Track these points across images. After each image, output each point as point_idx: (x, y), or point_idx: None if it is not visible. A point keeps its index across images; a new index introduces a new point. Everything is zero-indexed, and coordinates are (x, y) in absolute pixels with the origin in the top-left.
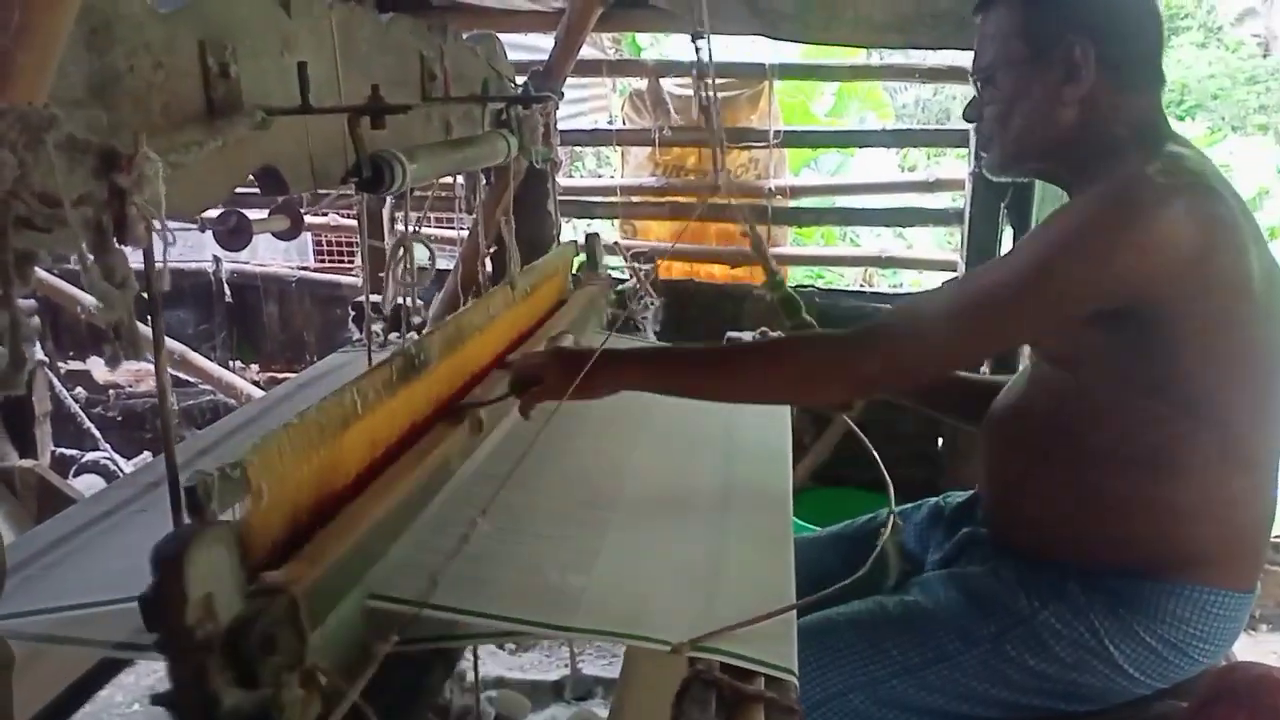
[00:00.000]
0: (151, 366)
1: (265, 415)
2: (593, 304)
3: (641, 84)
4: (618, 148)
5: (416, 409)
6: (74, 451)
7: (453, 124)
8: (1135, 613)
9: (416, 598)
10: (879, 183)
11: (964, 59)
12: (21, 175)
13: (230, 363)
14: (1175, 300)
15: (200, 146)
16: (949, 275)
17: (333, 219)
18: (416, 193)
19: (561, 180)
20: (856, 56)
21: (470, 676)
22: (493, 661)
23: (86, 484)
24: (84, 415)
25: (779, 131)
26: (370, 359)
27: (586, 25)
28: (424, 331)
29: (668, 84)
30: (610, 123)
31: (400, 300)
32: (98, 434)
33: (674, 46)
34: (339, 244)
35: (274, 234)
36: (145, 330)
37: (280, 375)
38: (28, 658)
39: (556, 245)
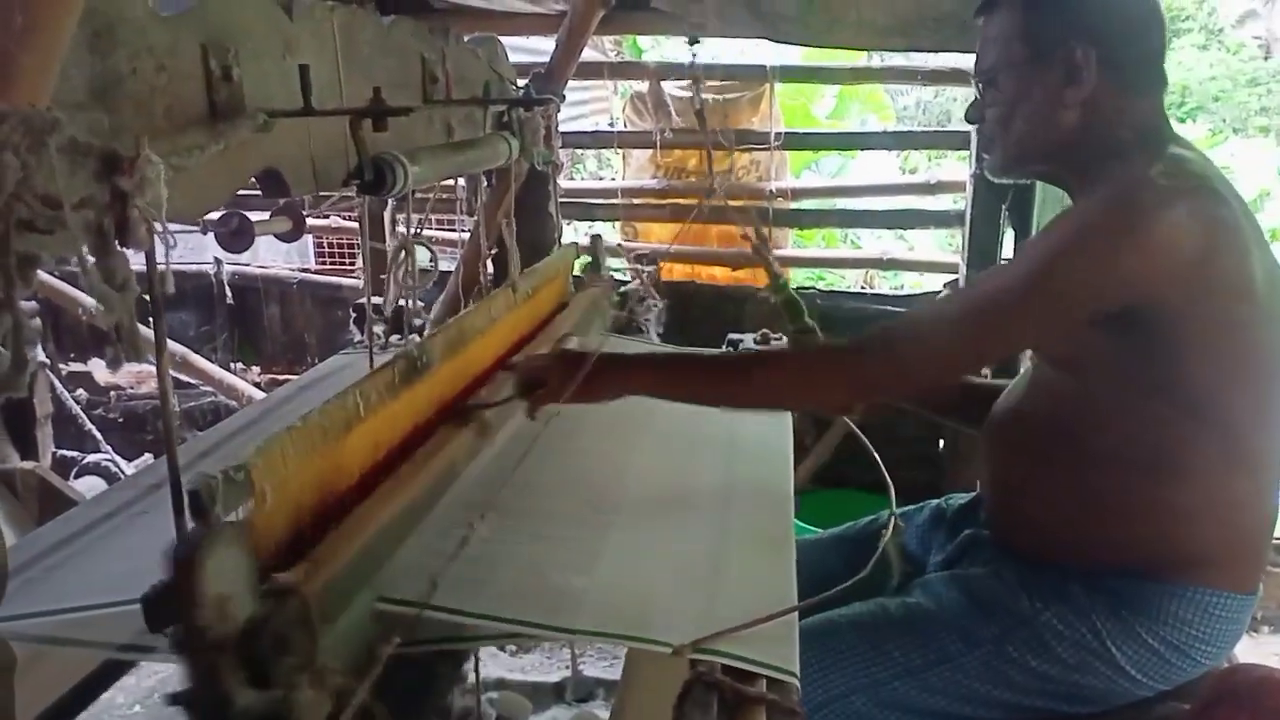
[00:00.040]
0: (152, 368)
1: (266, 417)
2: (596, 306)
3: (643, 86)
4: (619, 150)
5: (419, 411)
6: (75, 453)
7: (454, 126)
8: (1137, 614)
9: (421, 599)
10: (880, 185)
11: (965, 62)
12: (24, 178)
13: (231, 365)
14: (1178, 303)
15: (202, 149)
16: (950, 277)
17: (334, 221)
18: (418, 195)
19: (563, 182)
20: (858, 59)
21: (471, 678)
22: (494, 663)
23: (88, 486)
24: (85, 417)
25: (780, 134)
26: (372, 361)
27: (588, 28)
28: (425, 334)
29: (669, 86)
30: (611, 125)
31: (402, 302)
32: (99, 436)
33: (675, 49)
34: (340, 246)
35: (275, 236)
36: (147, 332)
37: (281, 377)
38: (29, 660)
39: (558, 247)
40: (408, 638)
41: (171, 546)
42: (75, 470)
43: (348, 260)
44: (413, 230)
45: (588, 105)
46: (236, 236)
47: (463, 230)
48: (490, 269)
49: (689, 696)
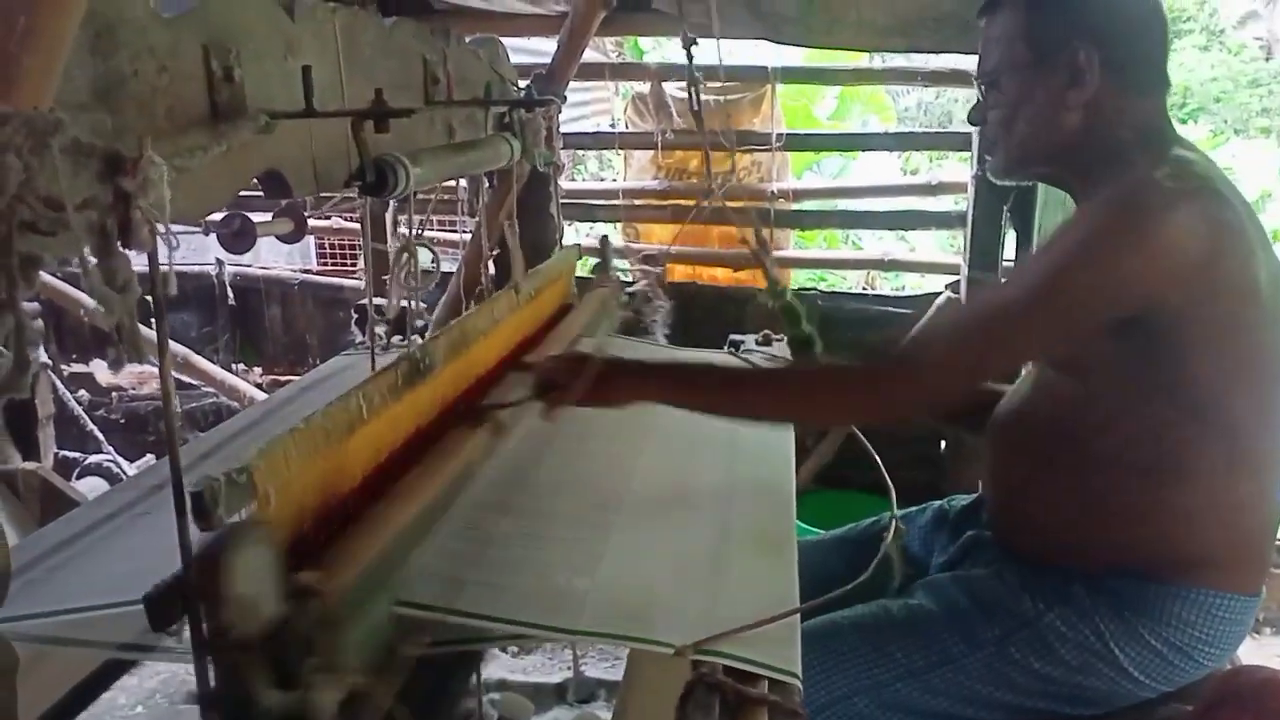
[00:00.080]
0: (153, 369)
1: (268, 418)
2: (604, 306)
3: (644, 87)
4: (620, 151)
5: (421, 413)
6: (77, 454)
7: (455, 127)
8: (1140, 616)
9: (430, 602)
10: (881, 186)
11: (966, 63)
12: (27, 179)
13: (233, 365)
14: (1183, 305)
15: (204, 150)
16: (951, 278)
17: (335, 222)
18: (419, 196)
19: (564, 183)
20: (859, 60)
21: (473, 679)
22: (495, 664)
23: (89, 486)
24: (87, 418)
25: (781, 135)
26: (374, 362)
27: (589, 29)
28: (427, 335)
29: (670, 87)
30: (613, 126)
31: (404, 304)
32: (101, 436)
33: (676, 50)
34: (341, 247)
35: (277, 237)
36: (148, 333)
37: (283, 378)
38: (31, 660)
39: (559, 248)
40: (428, 640)
41: (199, 544)
42: (77, 471)
43: (349, 261)
44: (414, 231)
45: (589, 106)
46: (238, 238)
47: (464, 231)
48: (492, 270)
49: (691, 698)
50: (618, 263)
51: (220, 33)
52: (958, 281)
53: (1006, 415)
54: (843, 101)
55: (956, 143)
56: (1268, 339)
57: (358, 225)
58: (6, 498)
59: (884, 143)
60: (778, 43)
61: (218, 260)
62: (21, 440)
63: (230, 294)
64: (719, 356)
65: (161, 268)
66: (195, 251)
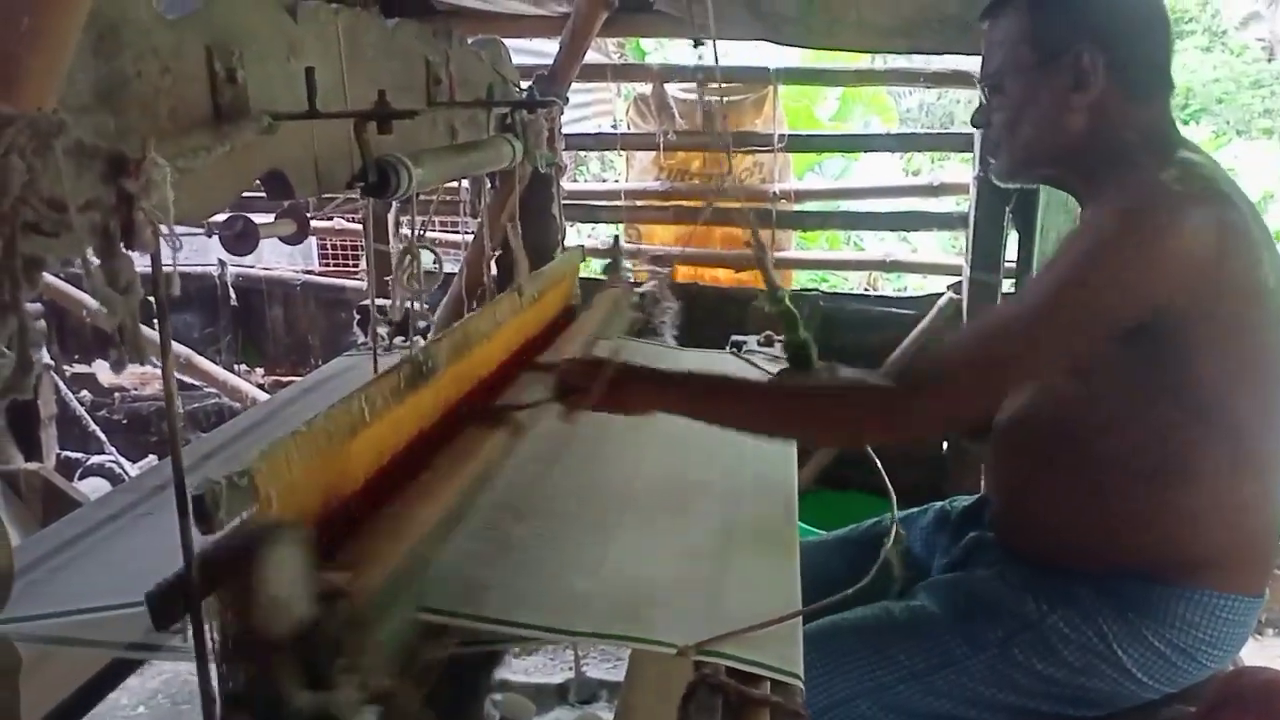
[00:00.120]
0: (155, 370)
1: (270, 419)
2: (618, 307)
3: (646, 88)
4: (622, 152)
5: (424, 416)
6: (79, 454)
7: (458, 129)
8: (1144, 617)
9: (448, 606)
10: (883, 187)
11: (969, 64)
12: (30, 180)
13: (235, 366)
14: (1190, 308)
15: (207, 151)
16: (953, 279)
17: (337, 223)
18: (422, 197)
19: (566, 185)
20: (860, 61)
21: (492, 680)
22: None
23: (91, 487)
24: (89, 418)
25: (783, 136)
26: (376, 363)
27: (591, 30)
28: (429, 336)
29: (672, 88)
30: (615, 127)
31: (407, 305)
32: (103, 437)
33: (678, 51)
34: (343, 248)
35: (280, 238)
36: (150, 334)
37: (285, 379)
38: (34, 661)
39: (562, 250)
40: (457, 641)
41: (231, 544)
42: (79, 471)
43: (351, 262)
44: (417, 232)
45: (591, 107)
46: (241, 239)
47: (466, 232)
48: (494, 271)
49: (693, 699)
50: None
51: (223, 34)
52: (960, 282)
53: (1010, 417)
54: (844, 102)
55: (958, 144)
56: (1272, 340)
57: (360, 226)
58: (9, 498)
59: (886, 144)
60: (778, 43)
61: (220, 261)
62: (24, 440)
63: (232, 295)
64: (732, 363)
65: (165, 269)
66: (197, 252)
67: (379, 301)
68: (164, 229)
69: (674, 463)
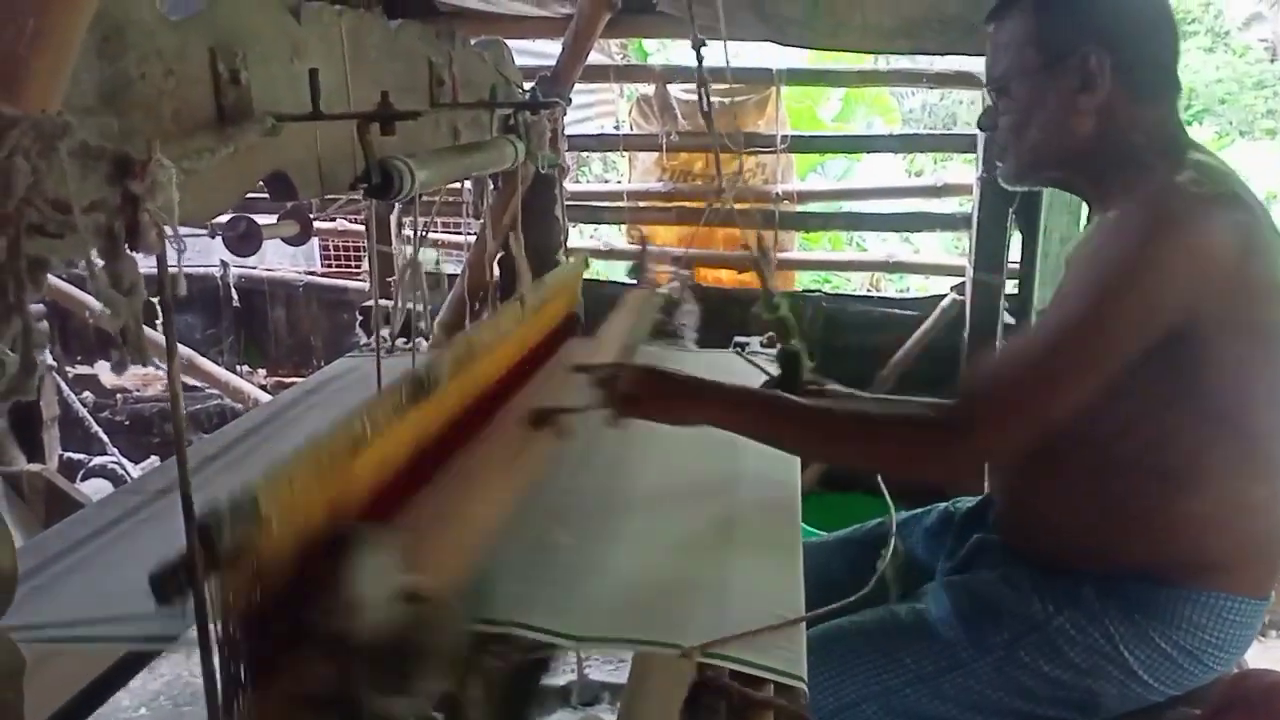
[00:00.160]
0: (158, 371)
1: (272, 420)
2: (646, 309)
3: (648, 89)
4: (625, 153)
5: (426, 431)
6: (82, 456)
7: (460, 130)
8: (1151, 618)
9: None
10: (886, 188)
11: (972, 65)
12: (34, 182)
13: (237, 367)
14: (1215, 310)
15: (211, 153)
16: (956, 280)
17: (340, 224)
18: (424, 198)
19: (568, 185)
20: (863, 62)
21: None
22: None
23: (94, 488)
24: (92, 420)
25: (786, 136)
26: (379, 364)
27: (594, 31)
28: (431, 338)
29: (674, 89)
30: (617, 128)
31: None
32: (105, 438)
33: (681, 52)
34: (346, 249)
35: (283, 239)
36: (153, 335)
37: (287, 380)
38: (37, 663)
39: (564, 251)
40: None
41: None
42: (81, 473)
43: (354, 263)
44: (419, 234)
45: (593, 108)
46: (244, 240)
47: (469, 233)
48: (496, 272)
49: (697, 701)
50: (625, 264)
51: (227, 35)
52: (963, 283)
53: None
54: (847, 103)
55: (961, 144)
56: None
57: (362, 227)
58: (11, 499)
59: (889, 145)
60: (783, 45)
61: (222, 262)
62: (26, 442)
63: (235, 296)
64: (737, 364)
65: (171, 270)
66: (200, 254)
67: (382, 302)
68: (169, 230)
69: (676, 464)
